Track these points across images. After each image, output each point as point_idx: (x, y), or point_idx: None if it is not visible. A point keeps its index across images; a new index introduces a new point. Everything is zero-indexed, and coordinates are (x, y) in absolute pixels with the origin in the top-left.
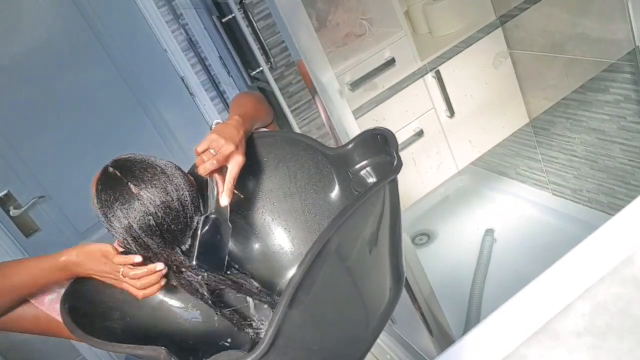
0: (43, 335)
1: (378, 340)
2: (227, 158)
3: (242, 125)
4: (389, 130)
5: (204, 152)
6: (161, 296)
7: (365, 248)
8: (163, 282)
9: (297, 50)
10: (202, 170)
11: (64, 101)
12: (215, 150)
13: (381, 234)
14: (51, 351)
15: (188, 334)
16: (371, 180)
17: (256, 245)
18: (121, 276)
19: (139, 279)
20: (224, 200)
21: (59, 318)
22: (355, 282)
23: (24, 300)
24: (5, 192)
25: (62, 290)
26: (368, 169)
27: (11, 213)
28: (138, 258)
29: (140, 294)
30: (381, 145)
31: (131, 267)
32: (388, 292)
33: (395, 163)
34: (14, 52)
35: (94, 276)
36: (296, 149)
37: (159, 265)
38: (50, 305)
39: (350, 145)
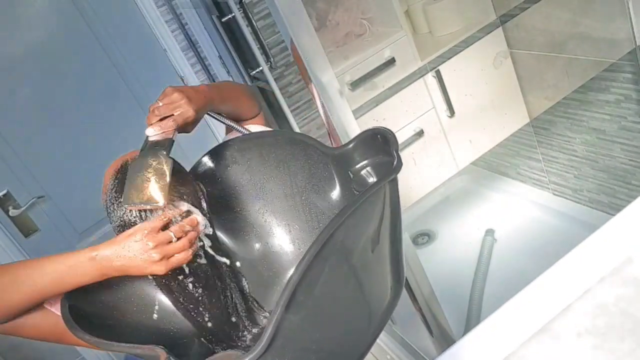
0: (54, 342)
1: (378, 341)
2: (174, 108)
3: (206, 92)
4: (389, 129)
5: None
6: (160, 296)
7: (366, 247)
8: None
9: (287, 30)
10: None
11: (62, 101)
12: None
13: (382, 233)
14: (50, 351)
15: (187, 335)
16: (372, 180)
17: (257, 245)
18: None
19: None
20: (149, 131)
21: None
22: (355, 282)
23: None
24: (4, 192)
25: None
26: (368, 168)
27: (10, 213)
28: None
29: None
30: (381, 145)
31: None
32: (389, 291)
33: (395, 162)
34: (13, 52)
35: (125, 271)
36: (297, 148)
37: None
38: None
39: (350, 145)
